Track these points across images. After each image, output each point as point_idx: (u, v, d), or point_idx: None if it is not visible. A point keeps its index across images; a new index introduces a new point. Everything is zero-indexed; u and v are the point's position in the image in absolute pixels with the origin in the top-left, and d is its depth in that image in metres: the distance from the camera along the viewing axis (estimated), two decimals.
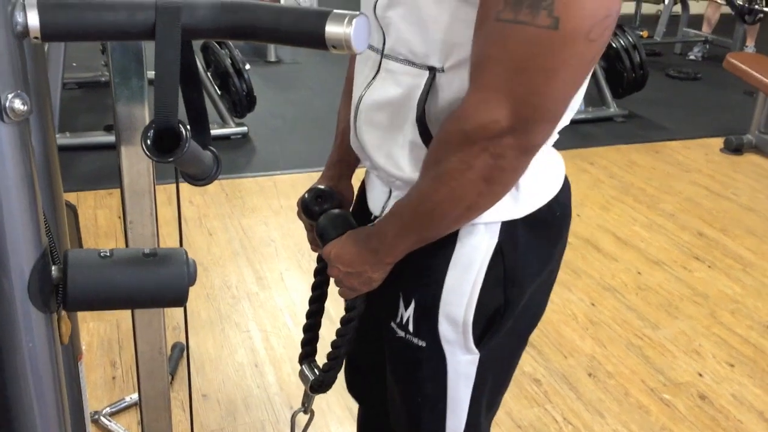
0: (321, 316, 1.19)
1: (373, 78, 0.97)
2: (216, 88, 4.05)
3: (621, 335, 2.42)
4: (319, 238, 1.06)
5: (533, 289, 1.01)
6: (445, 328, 0.98)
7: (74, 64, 4.64)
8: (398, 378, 1.08)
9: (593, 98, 4.58)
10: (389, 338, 1.05)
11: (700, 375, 2.24)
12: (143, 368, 1.19)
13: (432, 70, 0.88)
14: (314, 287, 1.17)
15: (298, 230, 3.23)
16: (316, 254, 1.15)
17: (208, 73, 4.08)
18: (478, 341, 1.00)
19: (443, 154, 0.85)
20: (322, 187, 1.11)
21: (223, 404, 2.05)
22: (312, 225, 1.09)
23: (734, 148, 4.08)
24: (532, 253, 0.99)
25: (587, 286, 2.70)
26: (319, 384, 1.15)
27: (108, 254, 0.76)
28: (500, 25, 0.78)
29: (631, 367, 2.27)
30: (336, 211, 1.07)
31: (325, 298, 1.17)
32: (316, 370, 1.17)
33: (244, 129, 4.01)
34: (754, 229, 3.22)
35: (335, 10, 0.70)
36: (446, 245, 0.95)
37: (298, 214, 1.14)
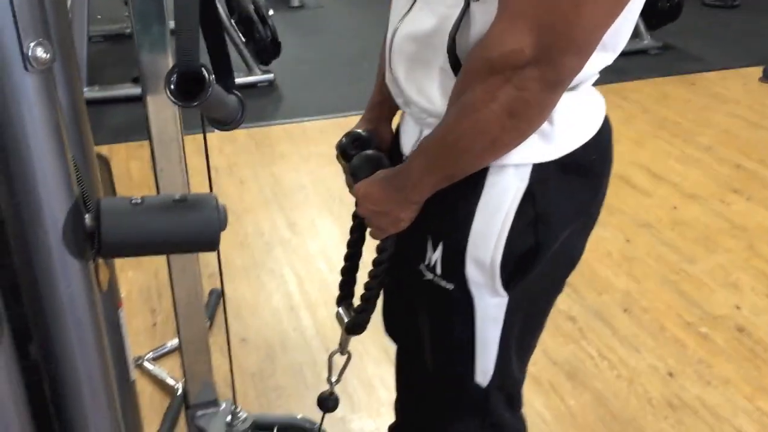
0: (359, 259, 1.18)
1: (409, 9, 0.94)
2: (240, 35, 4.01)
3: (656, 271, 2.40)
4: (351, 177, 1.06)
5: (567, 234, 0.99)
6: (472, 271, 0.97)
7: (99, 17, 4.63)
8: (428, 320, 1.08)
9: None
10: (418, 280, 1.04)
11: (738, 308, 2.22)
12: (181, 314, 1.21)
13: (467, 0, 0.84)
14: (352, 230, 1.16)
15: (329, 176, 3.24)
16: (348, 199, 1.15)
17: (232, 21, 4.04)
18: (507, 284, 0.98)
19: (468, 85, 0.83)
20: (361, 131, 1.10)
21: (261, 347, 2.09)
22: (346, 165, 1.09)
23: None
24: (565, 197, 0.96)
25: (621, 223, 2.67)
26: (353, 325, 1.16)
27: (139, 201, 0.77)
28: None
29: (666, 302, 2.25)
30: (370, 151, 1.06)
31: (363, 242, 1.17)
32: (352, 312, 1.18)
33: (270, 76, 3.99)
34: None
35: None
36: (474, 187, 0.93)
37: (337, 157, 1.13)
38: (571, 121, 0.92)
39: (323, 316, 2.21)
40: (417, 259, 1.03)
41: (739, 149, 3.23)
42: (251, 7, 3.93)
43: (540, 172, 0.92)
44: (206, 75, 0.71)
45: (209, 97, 0.72)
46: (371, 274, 1.09)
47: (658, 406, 1.87)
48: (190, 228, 0.77)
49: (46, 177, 0.69)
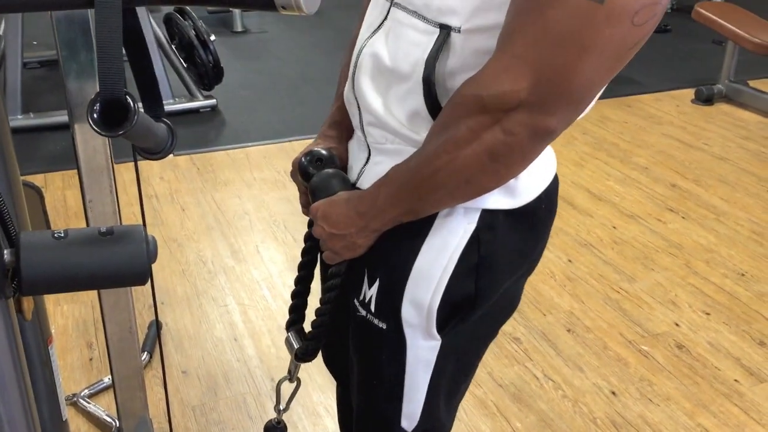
0: (310, 283, 1.14)
1: (379, 26, 0.91)
2: (181, 61, 3.97)
3: (598, 290, 2.44)
4: (311, 196, 1.01)
5: (509, 282, 0.97)
6: (408, 312, 0.94)
7: (35, 43, 4.52)
8: (358, 357, 1.05)
9: None
10: (353, 315, 1.02)
11: (677, 325, 2.27)
12: (114, 349, 1.17)
13: (445, 29, 0.82)
14: (304, 253, 1.13)
15: (273, 202, 3.21)
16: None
17: (173, 46, 3.99)
18: (441, 328, 0.96)
19: (453, 120, 0.80)
20: (323, 150, 1.05)
21: (203, 380, 2.03)
22: (306, 187, 1.05)
23: (705, 99, 4.09)
24: (511, 245, 0.94)
25: (564, 243, 2.71)
26: (304, 352, 1.12)
27: (62, 235, 0.74)
28: None
29: (608, 321, 2.28)
30: (331, 170, 1.02)
31: (315, 264, 1.13)
32: (302, 339, 1.15)
33: (213, 101, 3.95)
34: (726, 177, 3.24)
35: None
36: (421, 226, 0.91)
37: (293, 174, 1.08)
38: (529, 171, 0.89)
39: (267, 345, 2.17)
40: (353, 293, 1.01)
41: (674, 169, 3.32)
42: (192, 33, 3.89)
43: (489, 217, 0.91)
44: (131, 103, 0.69)
45: (135, 126, 0.70)
46: (323, 300, 1.06)
47: (603, 426, 1.89)
48: (117, 262, 0.74)
49: None
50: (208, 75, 3.91)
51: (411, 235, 0.92)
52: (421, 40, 0.84)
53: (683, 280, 2.50)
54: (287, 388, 1.21)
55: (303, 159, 1.04)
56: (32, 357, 1.16)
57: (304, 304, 1.16)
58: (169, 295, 2.39)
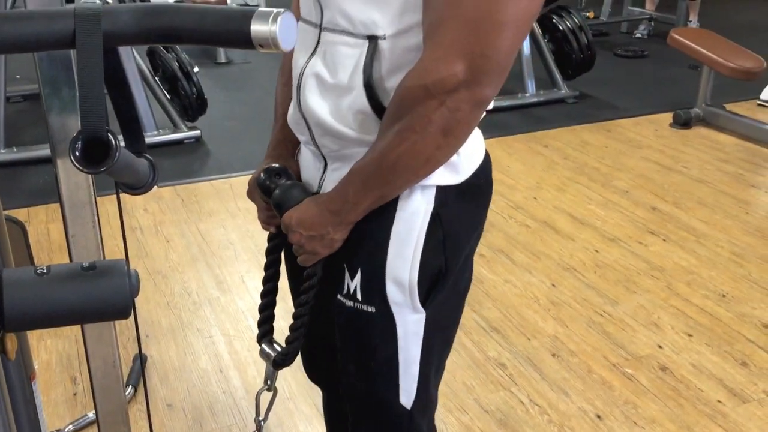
0: (276, 294, 1.20)
1: (314, 50, 1.01)
2: (165, 92, 3.99)
3: (582, 314, 2.46)
4: (276, 209, 1.07)
5: (467, 251, 1.09)
6: (392, 291, 1.03)
7: (18, 77, 4.53)
8: (350, 348, 1.12)
9: (544, 81, 4.62)
10: (338, 311, 1.09)
11: (660, 347, 2.29)
12: (98, 383, 1.16)
13: (373, 39, 0.93)
14: (267, 266, 1.19)
15: (257, 232, 3.20)
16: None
17: (156, 78, 4.02)
18: (424, 301, 1.05)
19: (404, 111, 0.91)
20: (277, 165, 1.11)
21: (189, 413, 2.02)
22: (266, 202, 1.10)
23: (683, 122, 4.16)
24: (466, 217, 1.06)
25: (547, 268, 2.73)
26: (284, 357, 1.16)
27: (45, 271, 0.74)
28: None
29: (593, 345, 2.30)
30: (290, 182, 1.08)
31: (279, 277, 1.19)
32: (276, 347, 1.18)
33: (197, 133, 3.97)
34: (704, 200, 3.29)
35: (260, 8, 0.69)
36: (386, 214, 1.01)
37: (249, 193, 1.16)
38: (467, 149, 1.03)
39: (253, 376, 2.16)
40: (334, 290, 1.08)
41: (654, 192, 3.36)
42: (176, 64, 3.92)
43: (443, 195, 1.02)
44: (112, 140, 0.70)
45: (116, 163, 0.71)
46: (300, 302, 1.11)
47: None
48: (99, 297, 0.75)
49: None
50: (191, 106, 3.93)
51: (379, 223, 1.02)
52: (354, 53, 0.96)
53: (665, 302, 2.52)
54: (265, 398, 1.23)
55: (261, 175, 1.09)
56: (15, 393, 1.16)
57: (272, 316, 1.21)
58: (154, 328, 2.38)
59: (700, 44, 4.10)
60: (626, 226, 3.05)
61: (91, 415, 1.97)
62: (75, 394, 2.09)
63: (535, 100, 4.52)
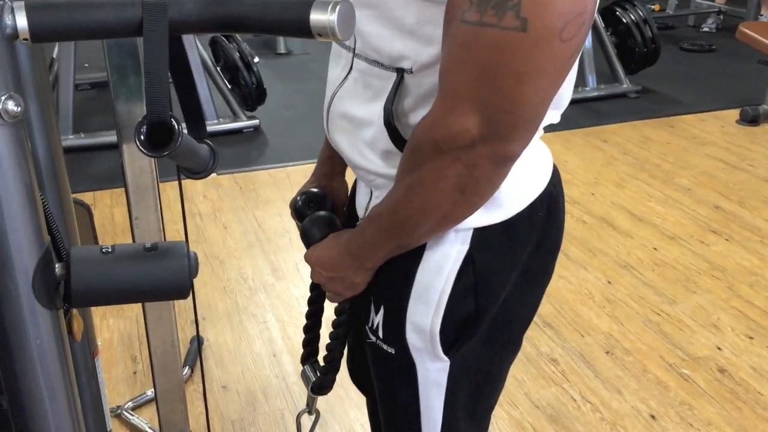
0: (321, 316, 1.18)
1: (346, 77, 0.95)
2: (226, 82, 4.06)
3: (638, 312, 2.41)
4: (303, 240, 1.04)
5: (512, 295, 0.97)
6: (412, 336, 0.96)
7: (86, 65, 4.67)
8: (376, 381, 1.07)
9: (605, 75, 4.54)
10: (367, 341, 1.04)
11: (719, 349, 2.23)
12: (157, 362, 1.20)
13: (400, 72, 0.85)
14: (312, 287, 1.15)
15: None
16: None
17: (218, 68, 4.09)
18: (448, 349, 0.96)
19: (415, 163, 0.82)
20: (315, 190, 1.08)
21: (242, 394, 2.07)
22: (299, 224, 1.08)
23: (750, 119, 4.02)
24: (508, 259, 0.95)
25: (603, 264, 2.69)
26: (320, 386, 1.16)
27: (110, 250, 0.77)
28: (466, 27, 0.73)
29: (648, 344, 2.26)
30: (322, 213, 1.04)
31: (324, 298, 1.15)
32: (318, 371, 1.17)
33: (256, 122, 4.03)
34: None
35: None
36: (415, 252, 0.92)
37: (292, 215, 1.13)
38: (517, 183, 0.90)
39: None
40: (364, 320, 1.03)
41: (718, 191, 3.27)
42: (237, 55, 3.99)
43: (481, 235, 0.91)
44: (175, 125, 0.73)
45: (179, 147, 0.74)
46: (332, 336, 1.09)
47: None
48: (160, 276, 0.78)
49: (15, 227, 0.69)
50: (251, 96, 4.00)
51: (406, 261, 0.93)
52: (382, 86, 0.88)
53: (726, 303, 2.46)
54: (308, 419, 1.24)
55: (298, 200, 1.08)
56: (79, 369, 1.21)
57: (317, 337, 1.19)
58: (211, 311, 2.44)
59: None
60: (687, 225, 2.97)
61: (150, 393, 2.03)
62: (135, 373, 2.16)
63: (595, 94, 4.43)
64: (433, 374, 0.98)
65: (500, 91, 0.74)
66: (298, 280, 2.61)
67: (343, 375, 2.05)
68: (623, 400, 2.03)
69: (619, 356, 2.20)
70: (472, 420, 1.06)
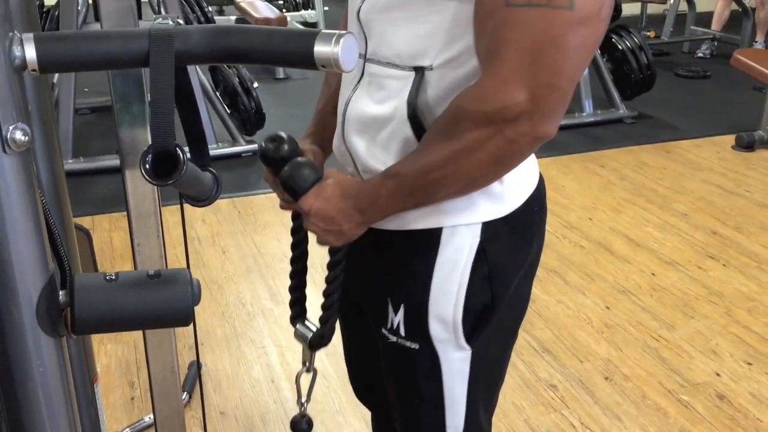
0: (305, 275, 1.16)
1: (359, 81, 0.99)
2: (225, 107, 4.09)
3: (637, 337, 2.41)
4: (288, 191, 0.99)
5: (516, 283, 1.05)
6: (436, 329, 1.01)
7: (86, 90, 4.71)
8: (395, 381, 1.11)
9: (602, 100, 4.57)
10: (382, 344, 1.07)
11: (718, 375, 2.23)
12: (157, 388, 1.20)
13: (419, 70, 0.91)
14: (294, 246, 1.13)
15: (310, 246, 3.23)
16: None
17: (217, 93, 4.12)
18: (469, 338, 1.02)
19: (457, 132, 0.86)
20: (281, 133, 1.03)
21: (240, 421, 2.06)
22: (272, 173, 1.04)
23: (746, 145, 4.05)
24: (514, 249, 1.02)
25: (601, 290, 2.69)
26: (320, 338, 1.13)
27: (113, 277, 0.78)
28: (514, 10, 0.80)
29: (647, 369, 2.25)
30: (301, 159, 0.99)
31: (307, 256, 1.14)
32: (311, 326, 1.15)
33: (255, 146, 4.05)
34: None
35: (323, 30, 0.72)
36: (429, 249, 0.98)
37: (262, 161, 1.07)
38: (517, 180, 0.99)
39: (304, 387, 2.18)
40: (379, 323, 1.06)
41: (715, 216, 3.29)
42: (236, 80, 4.02)
43: (489, 229, 0.98)
44: (180, 154, 0.74)
45: (183, 176, 0.75)
46: (329, 279, 1.08)
47: None
48: (163, 304, 0.78)
49: (21, 256, 0.70)
50: (250, 121, 4.02)
51: (423, 259, 0.99)
52: (398, 85, 0.93)
53: (724, 329, 2.46)
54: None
55: (263, 144, 1.03)
56: (78, 395, 1.20)
57: (304, 296, 1.18)
58: (209, 337, 2.43)
59: (765, 65, 4.00)
60: (685, 250, 2.98)
61: (147, 419, 2.02)
62: (132, 399, 2.15)
63: (592, 119, 4.47)
64: (456, 364, 1.04)
65: (550, 67, 0.81)
66: None
67: (342, 401, 2.05)
68: (623, 427, 2.02)
69: (618, 382, 2.20)
70: (487, 409, 1.13)
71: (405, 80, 0.92)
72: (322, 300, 1.11)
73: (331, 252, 1.06)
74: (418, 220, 0.98)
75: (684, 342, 2.39)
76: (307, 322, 1.18)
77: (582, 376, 2.22)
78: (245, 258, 2.94)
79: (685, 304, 2.60)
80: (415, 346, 1.03)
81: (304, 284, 1.18)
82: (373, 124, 0.97)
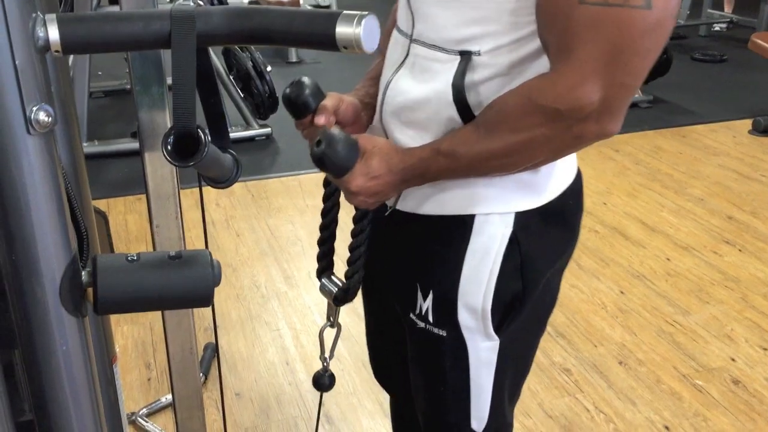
0: (335, 227, 1.14)
1: (402, 63, 0.98)
2: (238, 90, 4.08)
3: (651, 322, 2.41)
4: (324, 170, 0.96)
5: (548, 276, 1.03)
6: (464, 317, 1.00)
7: (100, 73, 4.72)
8: (421, 368, 1.10)
9: None
10: (410, 329, 1.07)
11: (733, 360, 2.22)
12: (175, 369, 1.21)
13: (466, 54, 0.90)
14: (325, 197, 1.12)
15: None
16: (342, 252, 1.13)
17: (230, 77, 4.11)
18: (498, 328, 1.01)
19: (525, 124, 0.85)
20: (302, 78, 1.02)
21: (256, 402, 2.08)
22: (296, 119, 1.02)
23: (763, 130, 4.01)
24: (547, 241, 1.01)
25: (616, 275, 2.68)
26: (344, 293, 1.12)
27: (135, 258, 0.78)
28: (589, 8, 0.79)
29: (662, 354, 2.25)
30: (333, 133, 0.94)
31: (338, 208, 1.12)
32: (337, 281, 1.15)
33: (268, 130, 4.05)
34: None
35: (345, 11, 0.71)
36: (461, 236, 0.97)
37: (287, 107, 1.05)
38: (555, 172, 0.98)
39: (318, 369, 2.19)
40: (407, 308, 1.05)
41: (731, 201, 3.26)
42: (249, 63, 4.01)
43: (523, 219, 0.97)
44: (202, 136, 0.74)
45: (204, 157, 0.75)
46: (355, 232, 1.07)
47: None
48: (184, 284, 0.79)
49: (44, 235, 0.71)
50: (263, 105, 4.01)
51: (454, 246, 0.98)
52: (441, 68, 0.92)
53: (740, 314, 2.45)
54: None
55: (286, 90, 1.01)
56: (99, 375, 1.22)
57: (332, 250, 1.16)
58: (224, 319, 2.45)
59: None
60: (700, 235, 2.97)
61: (164, 399, 2.04)
62: (149, 379, 2.17)
63: None
64: (484, 353, 1.03)
65: (626, 67, 0.80)
66: (311, 287, 2.62)
67: (357, 384, 2.06)
68: (637, 411, 2.02)
69: (633, 367, 2.20)
70: (512, 400, 1.12)
71: (450, 64, 0.91)
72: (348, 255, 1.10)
73: (356, 206, 1.04)
74: (450, 205, 0.97)
75: (699, 327, 2.38)
76: (333, 277, 1.16)
77: (596, 361, 2.22)
78: (259, 241, 2.95)
79: (700, 289, 2.59)
80: (442, 333, 1.02)
81: (333, 237, 1.15)
82: (414, 105, 0.96)
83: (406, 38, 0.97)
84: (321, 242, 1.16)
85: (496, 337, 1.02)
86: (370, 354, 1.33)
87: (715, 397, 2.07)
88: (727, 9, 6.17)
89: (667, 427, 1.96)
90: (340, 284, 1.14)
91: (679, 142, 3.97)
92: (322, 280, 1.17)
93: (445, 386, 1.07)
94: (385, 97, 1.01)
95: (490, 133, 0.88)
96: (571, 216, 1.04)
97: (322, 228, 1.14)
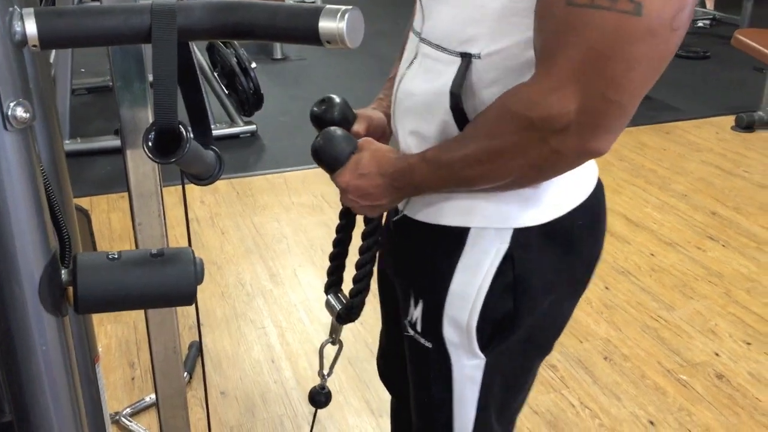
0: (348, 245, 1.13)
1: (412, 62, 0.96)
2: (223, 87, 4.06)
3: (636, 318, 2.42)
4: (320, 164, 0.97)
5: (550, 300, 0.97)
6: (449, 331, 0.97)
7: (83, 70, 4.67)
8: (411, 375, 1.09)
9: None
10: (405, 335, 1.05)
11: (717, 354, 2.24)
12: (159, 368, 1.20)
13: (466, 57, 0.85)
14: (342, 215, 1.11)
15: (310, 226, 3.24)
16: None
17: (215, 73, 4.09)
18: (485, 346, 0.97)
19: (499, 133, 0.81)
20: (332, 96, 1.02)
21: (241, 401, 2.06)
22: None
23: (745, 126, 4.04)
24: (547, 263, 0.94)
25: (600, 270, 2.68)
26: (348, 311, 1.10)
27: (116, 256, 0.77)
28: (574, 9, 0.73)
29: (646, 349, 2.26)
30: (333, 130, 0.96)
31: (353, 226, 1.11)
32: (342, 299, 1.14)
33: (253, 127, 4.03)
34: (767, 206, 3.19)
35: (328, 6, 0.71)
36: (455, 249, 0.94)
37: (313, 122, 1.07)
38: (559, 185, 0.91)
39: (304, 367, 2.19)
40: (404, 313, 1.04)
41: (714, 197, 3.29)
42: (234, 60, 3.99)
43: (521, 236, 0.91)
44: (183, 132, 0.73)
45: (186, 154, 0.74)
46: (362, 249, 1.06)
47: None
48: (166, 283, 0.78)
49: (23, 234, 0.69)
50: (248, 101, 3.99)
51: (446, 256, 0.95)
52: (445, 70, 0.88)
53: (723, 309, 2.46)
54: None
55: (314, 108, 1.03)
56: (80, 374, 1.20)
57: (343, 266, 1.15)
58: (209, 317, 2.43)
59: (765, 45, 3.98)
60: (684, 231, 2.98)
61: (148, 399, 2.03)
62: (133, 379, 2.15)
63: None
64: (468, 370, 0.99)
65: (607, 77, 0.73)
66: (296, 285, 2.61)
67: (343, 381, 2.06)
68: (622, 406, 2.03)
69: (618, 362, 2.21)
70: (501, 419, 1.07)
71: (451, 66, 0.87)
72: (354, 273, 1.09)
73: (366, 221, 1.04)
74: (448, 216, 0.94)
75: (683, 322, 2.40)
76: (339, 294, 1.15)
77: (581, 356, 2.23)
78: (244, 239, 2.93)
79: (684, 285, 2.61)
80: (428, 344, 1.00)
81: (344, 254, 1.14)
82: (420, 106, 0.93)
83: (417, 37, 0.95)
84: (332, 257, 1.15)
85: (481, 356, 0.98)
86: (377, 352, 1.32)
87: (699, 392, 2.08)
88: (710, 6, 6.22)
89: (651, 422, 1.97)
90: (344, 302, 1.13)
91: (663, 138, 3.99)
92: (329, 296, 1.16)
93: (429, 397, 1.05)
94: (396, 95, 0.99)
95: (469, 140, 0.85)
96: (582, 237, 0.97)
97: (335, 243, 1.14)
